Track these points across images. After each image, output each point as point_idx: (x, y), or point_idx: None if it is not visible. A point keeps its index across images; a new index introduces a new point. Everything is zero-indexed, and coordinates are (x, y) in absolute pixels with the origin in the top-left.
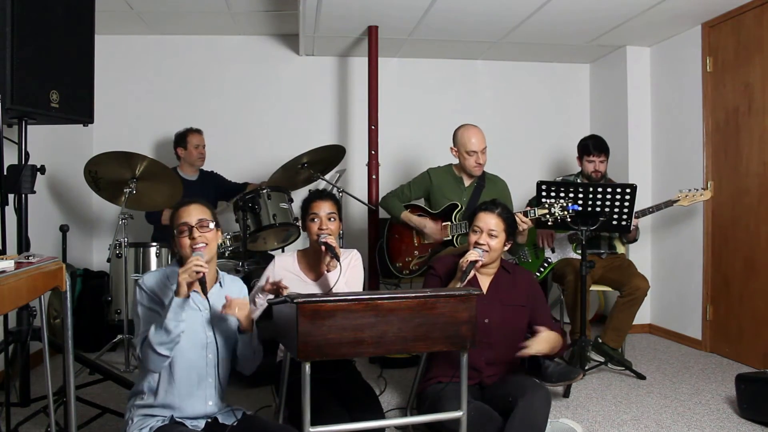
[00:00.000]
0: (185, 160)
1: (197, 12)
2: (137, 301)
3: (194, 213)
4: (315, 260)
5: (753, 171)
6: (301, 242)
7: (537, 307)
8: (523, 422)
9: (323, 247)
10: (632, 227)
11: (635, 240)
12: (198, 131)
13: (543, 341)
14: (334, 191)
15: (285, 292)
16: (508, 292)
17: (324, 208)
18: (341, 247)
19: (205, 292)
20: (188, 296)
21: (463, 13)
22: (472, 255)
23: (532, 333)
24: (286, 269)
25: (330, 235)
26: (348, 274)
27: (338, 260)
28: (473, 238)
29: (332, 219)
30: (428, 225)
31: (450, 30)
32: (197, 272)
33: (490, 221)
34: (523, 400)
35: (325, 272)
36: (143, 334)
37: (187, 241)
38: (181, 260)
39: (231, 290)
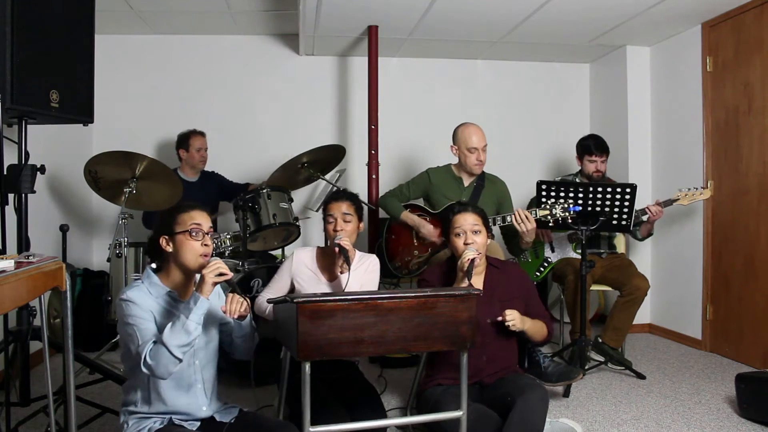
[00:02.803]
0: (186, 162)
1: (197, 12)
2: (128, 315)
3: (203, 218)
4: (331, 261)
5: (753, 170)
6: (301, 242)
7: (529, 298)
8: (520, 422)
9: (336, 249)
10: (650, 221)
11: (650, 234)
12: (201, 133)
13: (521, 318)
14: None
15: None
16: (502, 288)
17: (340, 208)
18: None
19: (238, 293)
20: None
21: (463, 12)
22: (470, 254)
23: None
24: (304, 265)
25: (345, 237)
26: (364, 278)
27: (348, 264)
28: (459, 242)
29: (348, 219)
30: (425, 227)
31: (450, 30)
32: (221, 274)
33: (469, 219)
34: (520, 400)
35: (339, 274)
36: (145, 342)
37: (199, 246)
38: (160, 267)
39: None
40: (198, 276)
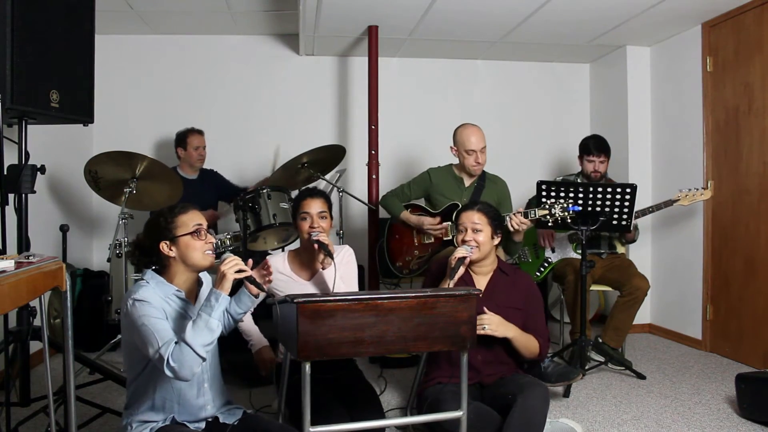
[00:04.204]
0: (185, 161)
1: (197, 12)
2: (144, 315)
3: (201, 217)
4: (308, 259)
5: (753, 171)
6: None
7: (532, 313)
8: (521, 420)
9: (316, 245)
10: (631, 227)
11: (634, 241)
12: (199, 132)
13: (501, 324)
14: (334, 191)
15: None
16: (505, 294)
17: (315, 207)
18: (336, 245)
19: (257, 286)
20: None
21: (463, 13)
22: (460, 252)
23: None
24: (277, 270)
25: (322, 232)
26: (342, 270)
27: (331, 257)
28: (459, 237)
29: (323, 217)
30: (426, 221)
31: (450, 30)
32: (240, 270)
33: (471, 217)
34: (521, 398)
35: (320, 270)
36: (165, 343)
37: (203, 244)
38: (163, 269)
39: None
40: (201, 275)
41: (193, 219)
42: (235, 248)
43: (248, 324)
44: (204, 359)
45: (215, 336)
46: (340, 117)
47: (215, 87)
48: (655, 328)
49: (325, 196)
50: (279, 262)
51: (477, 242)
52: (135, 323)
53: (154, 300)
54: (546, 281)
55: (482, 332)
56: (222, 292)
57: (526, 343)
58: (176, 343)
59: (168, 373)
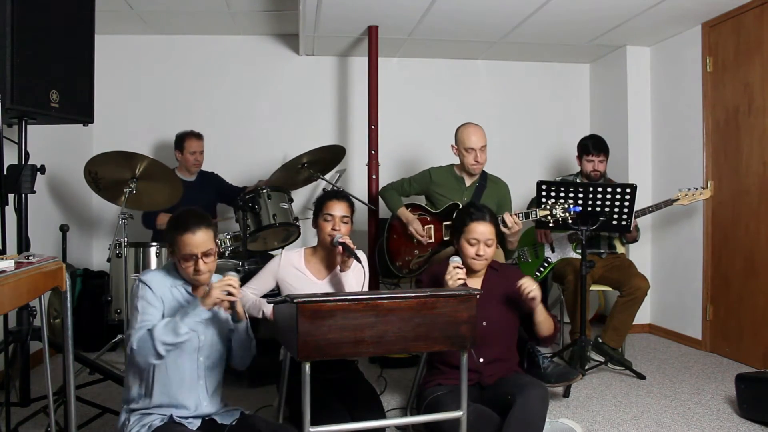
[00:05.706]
0: (181, 164)
1: (197, 12)
2: (138, 296)
3: (200, 243)
4: (326, 259)
5: (753, 171)
6: (301, 242)
7: None
8: (520, 420)
9: (340, 248)
10: (632, 227)
11: (635, 240)
12: (197, 136)
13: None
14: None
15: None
16: (501, 290)
17: (339, 209)
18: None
19: (234, 318)
20: (210, 309)
21: (463, 13)
22: (459, 280)
23: (525, 328)
24: (292, 265)
25: (344, 236)
26: (360, 276)
27: (358, 260)
28: (471, 250)
29: (345, 222)
30: (413, 224)
31: (450, 30)
32: (229, 293)
33: (485, 231)
34: (520, 398)
35: (338, 271)
36: (141, 327)
37: (191, 270)
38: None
39: None
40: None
41: (187, 245)
42: (235, 248)
43: (251, 304)
44: (161, 356)
45: (178, 340)
46: (340, 117)
47: (215, 87)
48: (655, 328)
49: (350, 201)
50: (295, 257)
51: (488, 255)
52: (132, 300)
53: (156, 285)
54: (546, 281)
55: (533, 295)
56: (202, 307)
57: (547, 318)
58: (148, 330)
59: (128, 352)
